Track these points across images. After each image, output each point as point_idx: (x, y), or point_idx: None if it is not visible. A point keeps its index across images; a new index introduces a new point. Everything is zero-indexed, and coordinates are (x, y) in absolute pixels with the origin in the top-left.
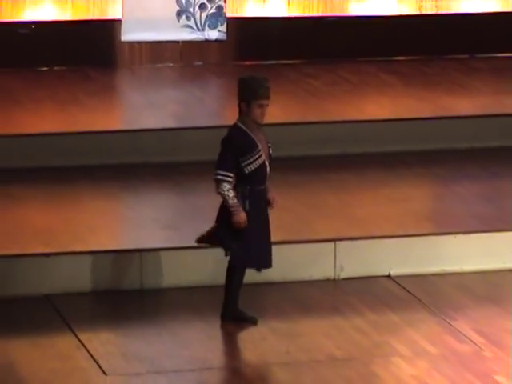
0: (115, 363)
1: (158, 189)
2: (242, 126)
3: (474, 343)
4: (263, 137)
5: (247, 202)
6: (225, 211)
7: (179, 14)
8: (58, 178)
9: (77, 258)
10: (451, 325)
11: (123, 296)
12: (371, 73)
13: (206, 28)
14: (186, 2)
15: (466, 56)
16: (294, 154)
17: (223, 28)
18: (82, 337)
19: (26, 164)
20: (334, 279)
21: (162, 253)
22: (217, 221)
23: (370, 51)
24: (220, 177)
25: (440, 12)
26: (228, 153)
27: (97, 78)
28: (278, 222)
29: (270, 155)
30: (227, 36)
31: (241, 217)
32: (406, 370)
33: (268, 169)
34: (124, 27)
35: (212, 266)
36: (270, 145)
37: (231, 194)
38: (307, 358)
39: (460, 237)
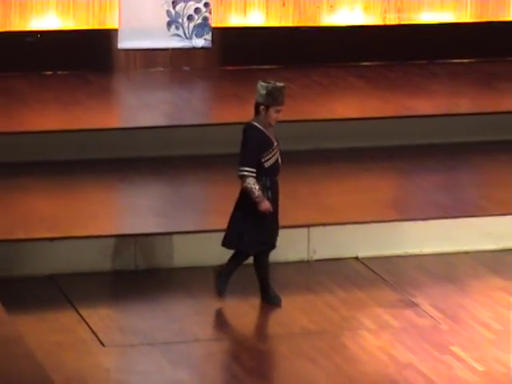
0: (112, 336)
1: (152, 180)
2: (258, 125)
3: (432, 317)
4: (274, 135)
5: (269, 192)
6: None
7: (169, 24)
8: (61, 171)
9: (78, 242)
10: (412, 301)
11: (120, 276)
12: (340, 77)
13: (194, 37)
14: (175, 14)
15: (425, 62)
16: None
17: (209, 36)
18: (83, 312)
19: (34, 158)
20: (308, 261)
21: (155, 237)
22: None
23: (340, 57)
24: (246, 173)
25: (402, 22)
26: (251, 150)
27: (96, 81)
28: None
29: (280, 151)
30: (212, 44)
31: (266, 204)
32: (372, 342)
33: (280, 163)
34: (120, 36)
35: (199, 248)
36: (278, 141)
37: (257, 186)
38: (284, 330)
39: (420, 223)
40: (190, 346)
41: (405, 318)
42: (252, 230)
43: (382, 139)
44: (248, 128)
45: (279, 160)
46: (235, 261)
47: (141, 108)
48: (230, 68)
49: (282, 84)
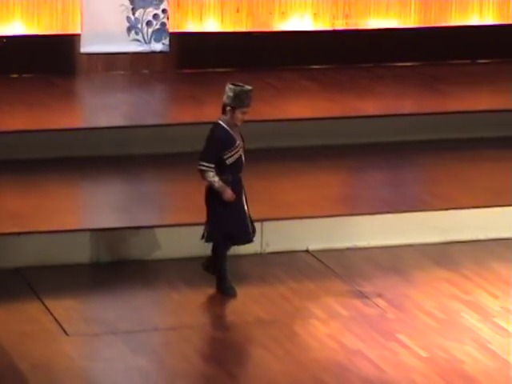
0: (76, 326)
1: (112, 178)
2: (224, 125)
3: (379, 307)
4: (239, 134)
5: (231, 188)
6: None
7: (129, 30)
8: (26, 169)
9: (43, 236)
10: (360, 291)
11: (83, 269)
12: (293, 79)
13: (152, 41)
14: (134, 20)
15: (372, 65)
16: None
17: (166, 41)
18: (48, 304)
19: (1, 156)
20: (261, 253)
21: (115, 232)
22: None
23: (292, 61)
24: (204, 167)
25: (350, 28)
26: (212, 147)
27: (60, 83)
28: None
29: (244, 149)
30: (170, 48)
31: (229, 192)
32: (322, 330)
33: (243, 160)
34: (83, 41)
35: (157, 242)
36: (243, 139)
37: (216, 179)
38: (239, 319)
39: (368, 217)
40: (149, 334)
41: (353, 307)
42: (216, 222)
43: (332, 138)
44: (214, 126)
45: (243, 157)
46: (214, 256)
47: (102, 109)
48: (187, 71)
49: (249, 87)
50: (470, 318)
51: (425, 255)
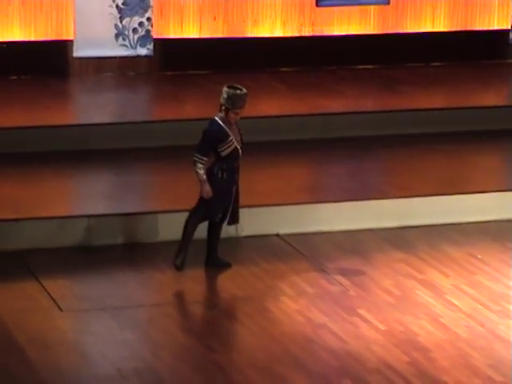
0: (69, 302)
1: (102, 169)
2: (219, 121)
3: (342, 285)
4: (236, 128)
5: (224, 174)
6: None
7: (117, 36)
8: (25, 162)
9: (40, 222)
10: (325, 271)
11: (76, 251)
12: (264, 80)
13: (138, 46)
14: (122, 27)
15: (336, 67)
16: None
17: (151, 46)
18: (44, 283)
19: (1, 150)
20: (237, 237)
21: (106, 218)
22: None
23: (263, 64)
24: (197, 159)
25: (316, 34)
26: (206, 141)
27: (54, 85)
28: (193, 194)
29: (241, 141)
30: (154, 52)
31: (206, 189)
32: (291, 306)
33: (240, 151)
34: (75, 46)
35: (144, 227)
36: (241, 133)
37: (202, 171)
38: (216, 297)
39: (332, 204)
40: (135, 310)
41: (319, 285)
42: (214, 202)
43: (300, 134)
44: (210, 122)
45: (239, 150)
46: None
47: (92, 107)
48: (169, 73)
49: (243, 92)
50: (424, 295)
51: (383, 239)
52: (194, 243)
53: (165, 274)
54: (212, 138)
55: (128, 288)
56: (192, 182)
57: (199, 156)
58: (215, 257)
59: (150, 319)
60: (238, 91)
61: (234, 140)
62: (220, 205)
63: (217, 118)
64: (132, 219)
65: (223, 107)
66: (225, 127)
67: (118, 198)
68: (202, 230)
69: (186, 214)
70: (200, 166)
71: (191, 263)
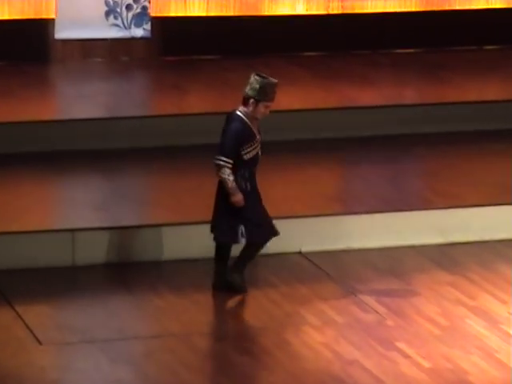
0: (49, 333)
1: (90, 174)
2: (243, 117)
3: (377, 313)
4: (258, 127)
5: (248, 184)
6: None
7: (108, 14)
8: None
9: (14, 237)
10: (356, 296)
11: (57, 272)
12: (282, 67)
13: (132, 26)
14: (113, 3)
15: (369, 51)
16: (212, 141)
17: (148, 26)
18: (19, 309)
19: None
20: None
21: (93, 232)
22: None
23: (282, 47)
24: (222, 162)
25: (345, 12)
26: (231, 141)
27: (32, 72)
28: (200, 203)
29: (260, 141)
30: (152, 34)
31: (239, 196)
32: (316, 338)
33: (260, 155)
34: (57, 26)
35: (140, 243)
36: (260, 132)
37: (231, 177)
38: (225, 327)
39: (364, 216)
40: (129, 343)
41: (349, 313)
42: (249, 220)
43: (325, 131)
44: (233, 118)
45: (259, 152)
46: (248, 254)
47: (78, 99)
48: (170, 58)
49: (275, 80)
50: (476, 325)
51: (426, 257)
52: (197, 263)
53: (165, 300)
54: (238, 137)
55: (121, 316)
56: (197, 189)
57: (225, 159)
58: (226, 279)
59: (147, 354)
60: (271, 80)
61: (258, 141)
62: (263, 221)
63: (239, 113)
64: (125, 233)
65: (251, 100)
66: (250, 125)
67: (108, 209)
68: (206, 247)
69: (190, 228)
70: (228, 171)
71: (196, 286)
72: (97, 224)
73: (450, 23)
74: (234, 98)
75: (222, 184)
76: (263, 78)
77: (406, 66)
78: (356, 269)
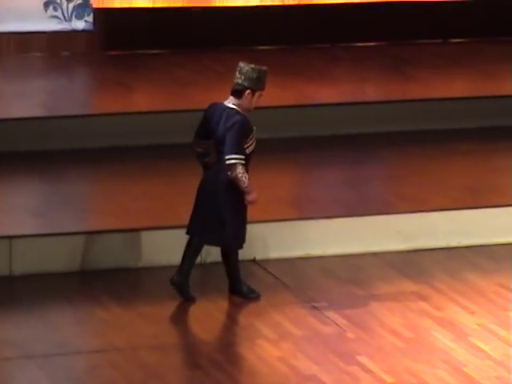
0: None
1: (27, 177)
2: (240, 110)
3: (337, 325)
4: None
5: (249, 179)
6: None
7: (46, 5)
8: None
9: None
10: (315, 307)
11: None
12: (235, 62)
13: (73, 18)
14: None
15: (328, 45)
16: (160, 142)
17: (90, 18)
18: None
19: None
20: (201, 264)
21: (32, 239)
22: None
23: (235, 41)
24: (235, 160)
25: (302, 3)
26: (239, 136)
27: None
28: (146, 208)
29: None
30: (94, 26)
31: (255, 195)
32: (271, 352)
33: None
34: None
35: (81, 251)
36: None
37: (247, 175)
38: (175, 341)
39: (323, 221)
40: (70, 358)
41: (307, 325)
42: (241, 223)
43: (282, 130)
44: (234, 112)
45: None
46: (234, 261)
47: (15, 97)
48: (114, 53)
49: (266, 68)
50: (442, 338)
51: (389, 265)
52: (144, 272)
53: (109, 312)
54: (243, 131)
55: (61, 330)
56: (143, 193)
57: (237, 156)
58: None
59: (89, 370)
60: (263, 68)
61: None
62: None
63: (236, 107)
64: (66, 241)
65: (248, 91)
66: (247, 117)
67: (47, 214)
68: (155, 255)
69: (138, 234)
70: (242, 168)
71: (142, 297)
72: (35, 231)
73: (413, 15)
74: (185, 96)
75: (230, 185)
76: (257, 66)
77: (367, 61)
78: (314, 278)
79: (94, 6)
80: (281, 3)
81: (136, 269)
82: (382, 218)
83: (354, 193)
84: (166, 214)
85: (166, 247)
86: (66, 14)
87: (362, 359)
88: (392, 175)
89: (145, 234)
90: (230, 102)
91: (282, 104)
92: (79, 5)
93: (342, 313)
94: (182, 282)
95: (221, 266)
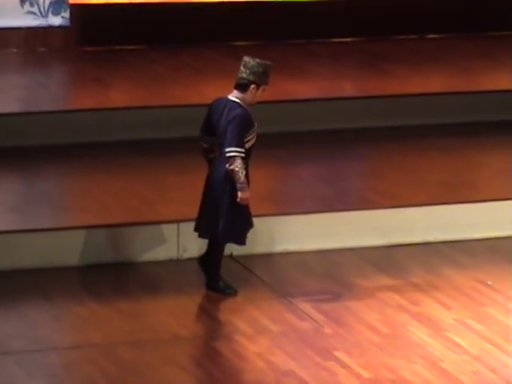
0: None
1: (3, 173)
2: (243, 104)
3: (314, 320)
4: None
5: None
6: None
7: (23, 1)
8: None
9: None
10: (292, 302)
11: None
12: (213, 58)
13: (50, 14)
14: None
15: (304, 41)
16: (138, 138)
17: (67, 14)
18: None
19: None
20: (178, 260)
21: (7, 235)
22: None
23: (212, 37)
24: (235, 153)
25: None
26: (240, 130)
27: None
28: (123, 205)
29: None
30: (71, 22)
31: (248, 194)
32: (249, 348)
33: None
34: None
35: (57, 247)
36: None
37: (244, 171)
38: (152, 337)
39: (300, 217)
40: (47, 354)
41: (284, 321)
42: (238, 220)
43: (259, 126)
44: (235, 105)
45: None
46: (216, 254)
47: None
48: (91, 49)
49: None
50: (419, 333)
51: (366, 260)
52: (121, 268)
53: (86, 307)
54: (244, 124)
55: (38, 326)
56: (121, 189)
57: (237, 149)
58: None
59: (66, 365)
60: (268, 62)
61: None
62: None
63: (239, 101)
64: (43, 237)
65: (253, 85)
66: (249, 112)
67: (23, 210)
68: (132, 251)
69: (116, 231)
70: (241, 163)
71: (120, 293)
72: (11, 227)
73: (390, 10)
74: (163, 92)
75: (229, 179)
76: (263, 61)
77: (344, 57)
78: (291, 273)
79: (71, 1)
80: None
81: (114, 265)
82: (359, 213)
83: (331, 188)
84: (144, 210)
85: (142, 243)
86: (42, 10)
87: (339, 354)
88: (369, 171)
89: (122, 230)
90: (234, 96)
91: (259, 100)
92: (56, 1)
93: (319, 308)
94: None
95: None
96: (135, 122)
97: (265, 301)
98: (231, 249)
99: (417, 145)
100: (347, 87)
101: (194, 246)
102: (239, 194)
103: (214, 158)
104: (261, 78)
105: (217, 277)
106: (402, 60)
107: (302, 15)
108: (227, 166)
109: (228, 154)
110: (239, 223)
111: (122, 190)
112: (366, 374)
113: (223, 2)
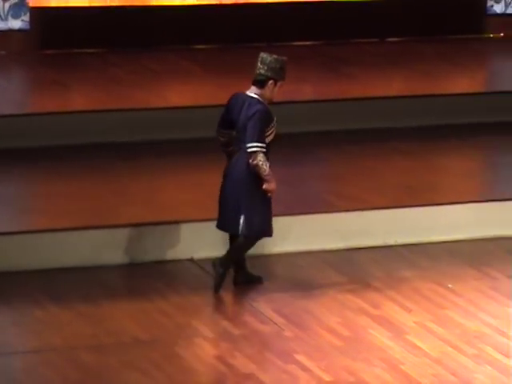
0: None
1: None
2: (262, 100)
3: (275, 323)
4: None
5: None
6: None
7: None
8: None
9: None
10: (252, 306)
11: None
12: (172, 61)
13: (9, 18)
14: None
15: (264, 44)
16: (97, 141)
17: (26, 17)
18: None
19: None
20: (138, 263)
21: None
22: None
23: (170, 39)
24: (257, 148)
25: (238, 2)
26: (261, 125)
27: None
28: (83, 208)
29: None
30: (30, 25)
31: (274, 184)
32: (209, 351)
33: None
34: None
35: (19, 251)
36: None
37: (268, 163)
38: (112, 340)
39: None
40: (6, 358)
41: (244, 324)
42: (260, 213)
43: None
44: (256, 101)
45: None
46: (239, 247)
47: None
48: (50, 52)
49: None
50: (380, 336)
51: (327, 263)
52: (82, 271)
53: (46, 311)
54: (264, 119)
55: None
56: (81, 192)
57: (259, 144)
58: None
59: (26, 370)
60: (284, 58)
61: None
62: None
63: (256, 96)
64: (2, 240)
65: (271, 81)
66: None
67: None
68: (93, 254)
69: (77, 233)
70: (263, 156)
71: (80, 296)
72: None
73: (350, 14)
74: (123, 96)
75: (250, 173)
76: (279, 57)
77: (305, 60)
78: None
79: (31, 4)
80: (218, 2)
81: (74, 268)
82: (320, 216)
83: (292, 192)
84: (104, 213)
85: (104, 246)
86: (2, 13)
87: (300, 358)
88: (331, 174)
89: (83, 234)
90: (252, 92)
91: (219, 103)
92: (15, 4)
93: (279, 311)
94: (239, 276)
95: (159, 265)
96: (95, 126)
97: (225, 304)
98: (191, 253)
99: (378, 148)
100: (308, 90)
101: (155, 249)
102: (265, 185)
103: (232, 151)
104: (278, 73)
105: (244, 270)
106: (362, 63)
107: (262, 18)
108: (250, 161)
109: (250, 150)
110: (269, 215)
111: (82, 193)
112: (326, 377)
113: (183, 5)
